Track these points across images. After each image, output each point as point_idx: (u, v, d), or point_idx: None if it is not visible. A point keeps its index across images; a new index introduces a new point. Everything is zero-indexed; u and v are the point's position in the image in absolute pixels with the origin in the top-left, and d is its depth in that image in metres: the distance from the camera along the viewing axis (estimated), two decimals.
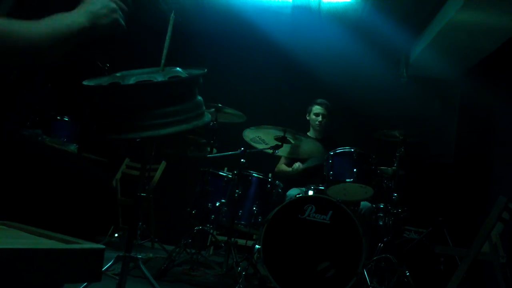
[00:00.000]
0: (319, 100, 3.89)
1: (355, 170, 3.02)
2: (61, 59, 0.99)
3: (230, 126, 3.58)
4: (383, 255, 3.10)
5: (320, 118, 3.82)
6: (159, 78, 1.32)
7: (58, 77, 4.04)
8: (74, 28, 0.95)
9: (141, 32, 5.04)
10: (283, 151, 3.22)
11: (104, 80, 1.37)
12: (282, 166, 3.88)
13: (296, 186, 3.54)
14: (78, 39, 0.96)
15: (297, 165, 3.66)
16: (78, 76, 1.42)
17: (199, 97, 1.42)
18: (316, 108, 3.86)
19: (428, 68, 5.01)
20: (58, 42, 0.92)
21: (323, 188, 3.15)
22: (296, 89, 5.25)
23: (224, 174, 3.36)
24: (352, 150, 3.09)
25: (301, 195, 3.19)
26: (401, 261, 3.11)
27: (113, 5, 1.05)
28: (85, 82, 1.35)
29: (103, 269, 2.08)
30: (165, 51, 1.52)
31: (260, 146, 3.24)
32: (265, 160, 3.83)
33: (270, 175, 3.66)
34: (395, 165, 3.31)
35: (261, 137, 3.19)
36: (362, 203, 3.42)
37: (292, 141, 3.16)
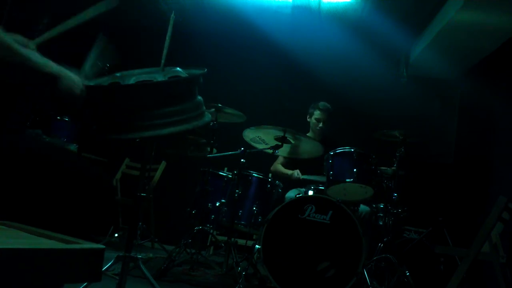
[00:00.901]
0: (321, 105, 3.84)
1: (355, 170, 3.02)
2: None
3: (230, 126, 3.58)
4: (383, 255, 3.10)
5: (321, 124, 3.80)
6: (159, 78, 1.32)
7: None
8: (45, 69, 1.33)
9: (141, 32, 5.06)
10: (283, 151, 3.22)
11: (104, 80, 1.37)
12: (279, 167, 3.86)
13: (295, 187, 3.53)
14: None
15: (296, 173, 3.62)
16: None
17: (199, 97, 1.42)
18: (318, 114, 3.82)
19: (428, 68, 5.00)
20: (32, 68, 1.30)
21: (323, 188, 3.15)
22: (296, 89, 5.25)
23: (224, 174, 3.36)
24: (352, 150, 3.09)
25: (301, 195, 3.18)
26: (401, 261, 3.11)
27: (78, 90, 1.35)
28: (85, 82, 1.35)
29: (103, 269, 2.08)
30: (165, 51, 1.52)
31: (260, 146, 3.24)
32: (265, 160, 3.83)
33: (270, 175, 3.65)
34: (395, 165, 3.30)
35: (261, 137, 3.19)
36: (361, 206, 3.41)
37: (292, 141, 3.16)
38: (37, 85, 1.38)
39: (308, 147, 3.28)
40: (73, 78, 1.36)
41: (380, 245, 3.22)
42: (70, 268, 0.65)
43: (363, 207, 3.42)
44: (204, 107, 1.43)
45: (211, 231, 3.77)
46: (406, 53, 5.18)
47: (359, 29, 4.90)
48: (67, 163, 1.15)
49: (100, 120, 1.36)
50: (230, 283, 2.96)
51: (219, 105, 3.35)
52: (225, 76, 4.97)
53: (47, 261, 0.62)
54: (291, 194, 3.39)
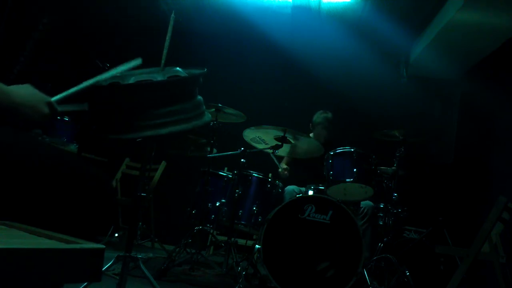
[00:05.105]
0: (319, 119, 3.78)
1: (355, 170, 3.02)
2: None
3: (230, 126, 3.58)
4: (383, 255, 3.10)
5: (321, 140, 3.68)
6: (159, 77, 1.32)
7: (58, 77, 4.05)
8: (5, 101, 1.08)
9: (141, 32, 5.06)
10: (283, 151, 3.22)
11: (104, 80, 1.37)
12: (282, 165, 3.85)
13: (295, 184, 3.53)
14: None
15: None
16: (79, 76, 1.42)
17: (199, 97, 1.42)
18: (318, 129, 3.77)
19: (428, 68, 5.01)
20: None
21: (323, 188, 3.15)
22: (296, 89, 5.25)
23: (224, 174, 3.36)
24: (352, 150, 3.09)
25: (301, 195, 3.18)
26: (401, 261, 3.11)
27: (47, 111, 1.15)
28: (85, 82, 1.35)
29: (103, 269, 2.08)
30: (165, 51, 1.52)
31: (260, 146, 3.24)
32: (265, 160, 3.82)
33: (270, 175, 3.65)
34: (395, 165, 3.31)
35: (261, 137, 3.19)
36: (363, 202, 3.42)
37: (292, 141, 3.16)
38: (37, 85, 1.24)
39: (308, 147, 3.28)
40: (33, 102, 1.11)
41: (380, 245, 3.22)
42: (70, 268, 0.65)
43: (366, 202, 3.42)
44: (204, 107, 1.43)
45: (211, 231, 3.77)
46: (406, 53, 5.19)
47: (359, 29, 4.90)
48: (66, 164, 1.14)
49: (100, 120, 1.36)
50: (230, 283, 2.96)
51: (219, 105, 3.35)
52: (225, 76, 4.97)
53: (47, 261, 0.62)
54: (290, 188, 3.43)
